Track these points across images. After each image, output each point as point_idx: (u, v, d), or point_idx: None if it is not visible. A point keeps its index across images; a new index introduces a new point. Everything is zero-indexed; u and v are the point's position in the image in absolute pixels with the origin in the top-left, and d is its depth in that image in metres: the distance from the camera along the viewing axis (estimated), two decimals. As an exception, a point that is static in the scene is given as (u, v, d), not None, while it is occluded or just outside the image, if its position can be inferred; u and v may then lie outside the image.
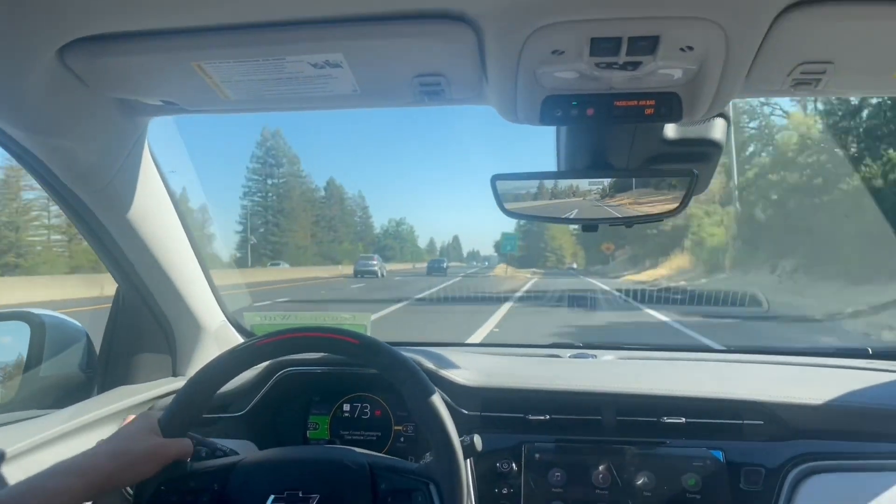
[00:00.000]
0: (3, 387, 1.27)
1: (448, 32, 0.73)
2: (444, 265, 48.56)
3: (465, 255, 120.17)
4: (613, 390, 1.20)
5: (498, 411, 1.22)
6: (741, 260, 21.92)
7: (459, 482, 0.87)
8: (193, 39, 0.76)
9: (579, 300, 14.55)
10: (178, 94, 0.92)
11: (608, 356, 1.52)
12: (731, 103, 0.90)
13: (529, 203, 1.02)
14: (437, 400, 0.91)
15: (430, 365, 1.26)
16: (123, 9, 0.71)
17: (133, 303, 1.32)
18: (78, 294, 14.15)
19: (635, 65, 0.75)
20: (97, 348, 1.36)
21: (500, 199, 0.99)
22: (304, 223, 61.90)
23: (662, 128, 0.96)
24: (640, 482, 1.12)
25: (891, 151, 15.24)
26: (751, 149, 30.63)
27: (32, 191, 32.19)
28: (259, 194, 61.77)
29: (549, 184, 1.04)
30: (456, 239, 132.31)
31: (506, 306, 12.46)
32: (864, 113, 17.54)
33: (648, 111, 0.84)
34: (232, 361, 0.96)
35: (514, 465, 1.16)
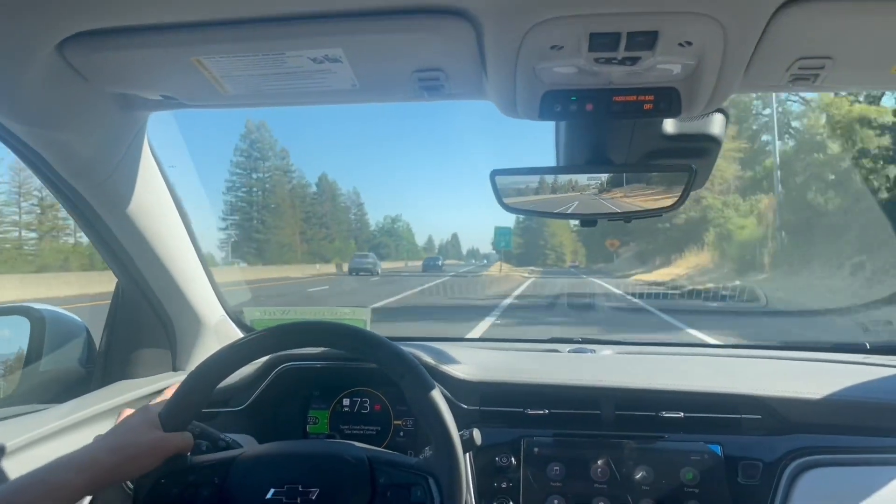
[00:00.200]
0: (4, 381, 1.27)
1: (447, 28, 0.74)
2: (440, 263, 48.64)
3: (464, 253, 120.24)
4: (612, 385, 1.20)
5: (497, 406, 1.22)
6: (786, 256, 18.15)
7: (458, 476, 0.88)
8: (193, 34, 0.76)
9: (583, 308, 12.36)
10: (178, 88, 0.92)
11: (607, 351, 1.52)
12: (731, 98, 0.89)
13: (528, 198, 1.02)
14: (437, 394, 0.92)
15: (429, 359, 1.26)
16: (123, 3, 0.71)
17: (133, 297, 1.32)
18: (40, 294, 14.14)
19: (634, 60, 0.75)
20: (97, 343, 1.36)
21: (499, 194, 1.00)
22: (292, 220, 59.14)
23: (661, 123, 0.96)
24: (638, 476, 1.12)
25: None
26: (765, 136, 29.14)
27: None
28: (243, 189, 58.53)
29: (548, 179, 1.04)
30: (455, 237, 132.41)
31: (485, 323, 9.39)
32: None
33: (647, 106, 0.84)
34: (232, 356, 0.96)
35: (513, 459, 1.16)
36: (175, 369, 1.40)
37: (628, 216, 1.02)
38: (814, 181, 18.17)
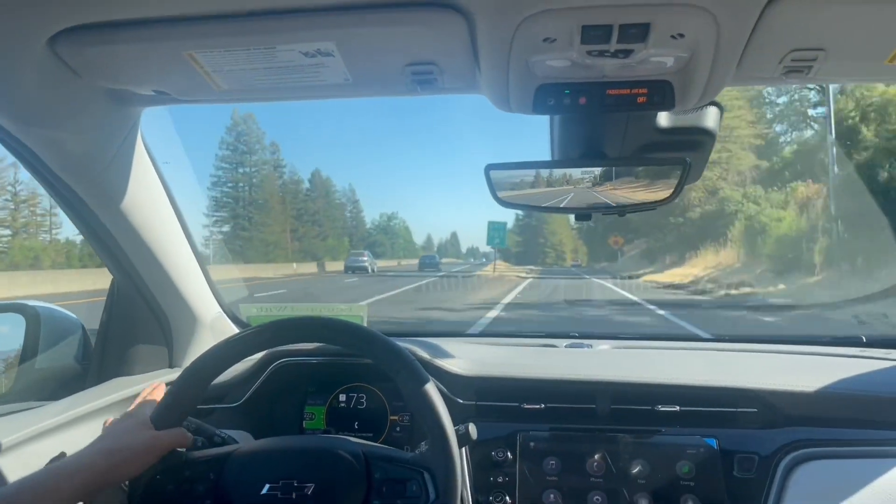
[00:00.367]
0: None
1: (439, 20, 0.73)
2: (436, 261, 47.76)
3: (464, 251, 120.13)
4: (608, 379, 1.20)
5: (493, 400, 1.22)
6: (845, 253, 14.14)
7: (454, 471, 0.88)
8: (184, 28, 0.76)
9: (594, 324, 9.61)
10: (170, 83, 0.92)
11: (603, 346, 1.53)
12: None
13: (522, 192, 1.02)
14: (432, 389, 0.92)
15: (425, 355, 1.26)
16: None
17: (128, 294, 1.32)
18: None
19: (627, 52, 0.75)
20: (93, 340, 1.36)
21: (493, 189, 0.99)
22: (281, 217, 55.50)
23: (655, 116, 0.96)
24: (634, 470, 1.12)
25: None
26: (780, 126, 27.37)
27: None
28: (229, 184, 54.78)
29: (544, 173, 1.04)
30: (454, 235, 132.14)
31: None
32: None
33: (641, 99, 0.84)
34: (227, 352, 0.96)
35: (509, 453, 1.16)
36: (171, 366, 1.40)
37: (623, 209, 1.02)
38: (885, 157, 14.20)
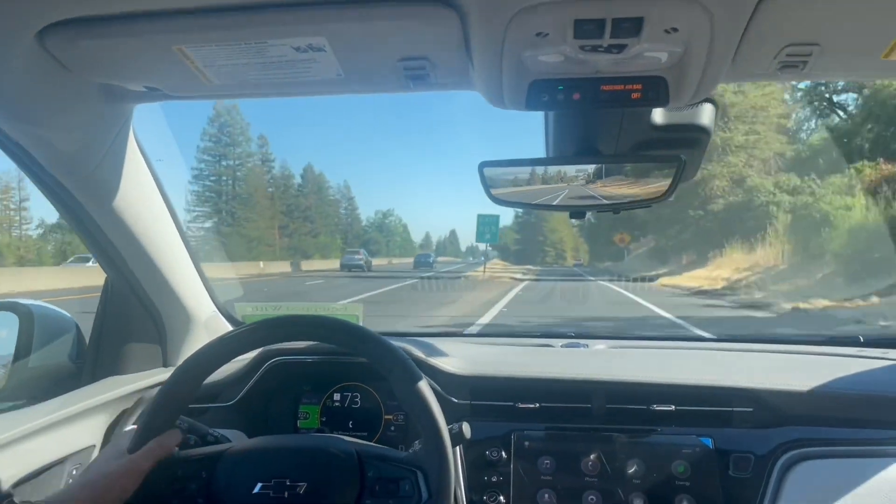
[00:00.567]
0: (-8, 377, 1.26)
1: (431, 15, 0.73)
2: (431, 260, 47.49)
3: (463, 249, 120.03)
4: (603, 378, 1.20)
5: (488, 400, 1.22)
6: None
7: (447, 470, 0.87)
8: (175, 22, 0.75)
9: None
10: (161, 79, 0.91)
11: (600, 345, 1.52)
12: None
13: (517, 189, 1.01)
14: (425, 388, 0.91)
15: (419, 354, 1.26)
16: None
17: (122, 292, 1.31)
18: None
19: (620, 47, 0.74)
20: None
21: (487, 186, 0.99)
22: (269, 212, 53.04)
23: (650, 113, 0.95)
24: (629, 470, 1.12)
25: None
26: (800, 114, 24.62)
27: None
28: (212, 178, 52.13)
29: (538, 170, 1.03)
30: (453, 233, 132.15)
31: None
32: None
33: (635, 95, 0.83)
34: (220, 350, 0.96)
35: (503, 453, 1.16)
36: (165, 365, 1.40)
37: (617, 207, 1.02)
38: None
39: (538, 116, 1.01)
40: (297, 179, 63.70)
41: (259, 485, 0.87)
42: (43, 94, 0.89)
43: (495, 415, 1.20)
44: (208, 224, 50.87)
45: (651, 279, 21.55)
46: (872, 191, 15.25)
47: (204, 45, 0.79)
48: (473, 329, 9.03)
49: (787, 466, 1.07)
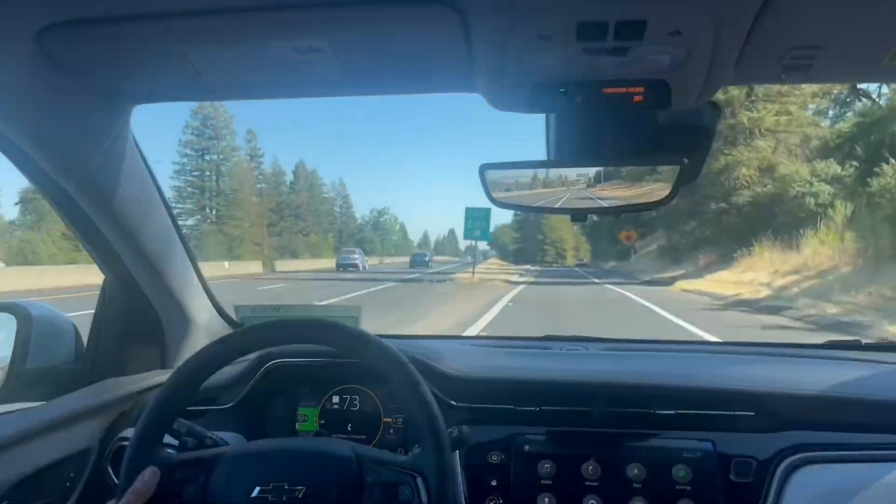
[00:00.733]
0: (-10, 378, 1.26)
1: (433, 17, 0.72)
2: (427, 259, 46.74)
3: (462, 248, 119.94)
4: (603, 381, 1.19)
5: (488, 403, 1.21)
6: None
7: (446, 474, 0.87)
8: (174, 24, 0.75)
9: None
10: (160, 80, 0.91)
11: (600, 348, 1.51)
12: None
13: (518, 192, 1.01)
14: (425, 391, 0.91)
15: (419, 356, 1.25)
16: None
17: (120, 294, 1.31)
18: None
19: (623, 50, 0.74)
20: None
21: (487, 189, 0.98)
22: (256, 210, 50.74)
23: (652, 116, 0.95)
24: (630, 474, 1.11)
25: None
26: (819, 103, 21.77)
27: None
28: (194, 173, 49.15)
29: (540, 173, 1.03)
30: (452, 232, 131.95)
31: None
32: None
33: (637, 98, 0.83)
34: (219, 352, 0.95)
35: (503, 456, 1.15)
36: (164, 367, 1.39)
37: (618, 210, 1.01)
38: None
39: (539, 117, 1.01)
40: (289, 176, 61.58)
41: (257, 489, 0.87)
42: (41, 95, 0.89)
43: (495, 418, 1.20)
44: (190, 222, 48.29)
45: (665, 282, 19.13)
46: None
47: (204, 47, 0.79)
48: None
49: (789, 471, 1.07)
